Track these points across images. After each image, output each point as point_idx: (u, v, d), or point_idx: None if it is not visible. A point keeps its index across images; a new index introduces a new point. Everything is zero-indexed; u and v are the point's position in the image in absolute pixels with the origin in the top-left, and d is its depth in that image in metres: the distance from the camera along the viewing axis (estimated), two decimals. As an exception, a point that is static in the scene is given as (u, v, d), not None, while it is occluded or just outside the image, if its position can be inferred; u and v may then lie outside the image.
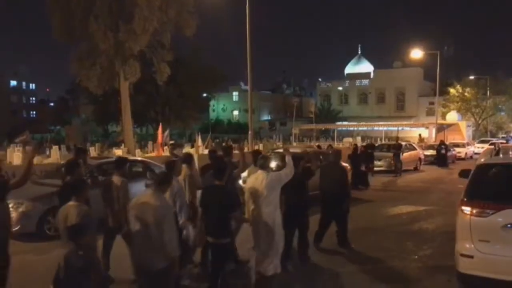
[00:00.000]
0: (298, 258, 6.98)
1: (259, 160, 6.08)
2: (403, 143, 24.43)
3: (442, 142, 27.31)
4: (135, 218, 4.52)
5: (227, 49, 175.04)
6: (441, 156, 25.27)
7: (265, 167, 5.95)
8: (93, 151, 23.88)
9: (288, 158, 6.02)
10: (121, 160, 6.62)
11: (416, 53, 38.68)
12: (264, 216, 5.64)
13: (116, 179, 6.09)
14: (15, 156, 18.14)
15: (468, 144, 35.32)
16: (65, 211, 4.33)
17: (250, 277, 6.04)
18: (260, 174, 5.82)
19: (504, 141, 34.53)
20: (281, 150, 13.60)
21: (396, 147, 21.35)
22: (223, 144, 33.25)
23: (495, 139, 40.91)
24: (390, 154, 20.91)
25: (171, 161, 6.30)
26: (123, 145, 25.89)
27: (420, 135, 48.45)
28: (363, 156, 16.58)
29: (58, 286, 3.71)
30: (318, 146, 21.32)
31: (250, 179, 6.03)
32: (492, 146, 15.40)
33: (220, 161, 6.47)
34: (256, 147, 21.67)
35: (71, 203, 4.37)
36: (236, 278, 5.98)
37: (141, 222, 4.44)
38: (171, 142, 14.22)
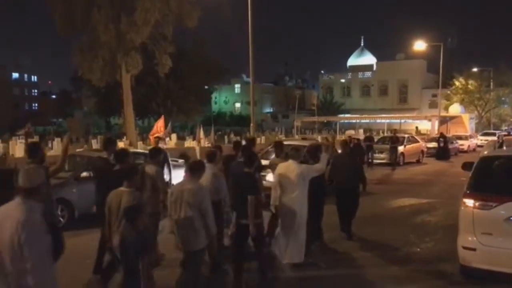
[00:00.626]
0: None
1: (290, 151, 6.56)
2: (406, 136, 24.33)
3: (441, 135, 26.71)
4: (176, 203, 4.91)
5: (229, 41, 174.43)
6: (440, 149, 24.78)
7: (295, 157, 6.37)
8: (95, 144, 23.94)
9: (323, 155, 6.54)
10: (155, 151, 6.92)
11: (419, 45, 38.41)
12: (291, 203, 6.06)
13: (150, 168, 6.30)
14: (17, 148, 18.18)
15: (471, 136, 35.21)
16: (118, 195, 4.59)
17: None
18: (291, 163, 6.23)
19: (506, 133, 34.39)
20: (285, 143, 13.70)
21: (393, 140, 20.85)
22: (234, 136, 33.21)
23: (498, 131, 40.81)
24: (387, 147, 20.82)
25: (212, 151, 6.65)
26: (125, 137, 25.93)
27: (416, 127, 48.33)
28: (357, 149, 15.41)
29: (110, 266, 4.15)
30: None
31: (280, 168, 6.35)
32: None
33: (250, 151, 6.83)
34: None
35: (123, 188, 4.62)
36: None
37: (182, 206, 4.85)
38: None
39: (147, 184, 6.09)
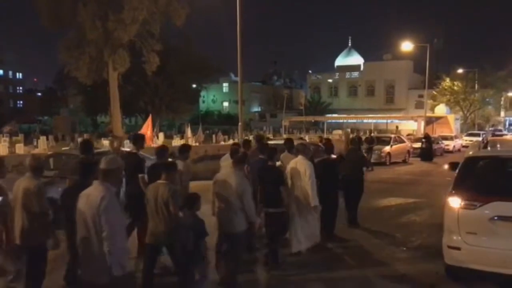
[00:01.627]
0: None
1: (300, 147, 7.28)
2: (392, 136, 24.51)
3: (425, 135, 26.42)
4: (218, 193, 5.46)
5: (218, 40, 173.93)
6: (423, 149, 24.41)
7: (305, 153, 7.01)
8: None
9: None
10: (184, 147, 7.33)
11: (406, 46, 38.74)
12: (302, 194, 6.69)
13: (179, 163, 6.43)
14: (1, 146, 17.93)
15: (456, 137, 35.63)
16: (156, 188, 5.03)
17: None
18: (300, 158, 6.90)
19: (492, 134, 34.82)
20: (271, 142, 13.99)
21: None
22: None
23: (482, 132, 41.41)
24: (380, 146, 20.91)
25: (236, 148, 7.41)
26: (111, 135, 25.73)
27: (397, 126, 48.71)
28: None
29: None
30: (301, 139, 21.16)
31: (292, 163, 6.98)
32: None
33: (271, 147, 7.51)
34: (246, 138, 21.63)
35: (161, 181, 5.03)
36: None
37: (223, 195, 5.39)
38: (111, 135, 14.37)
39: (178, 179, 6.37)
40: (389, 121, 52.81)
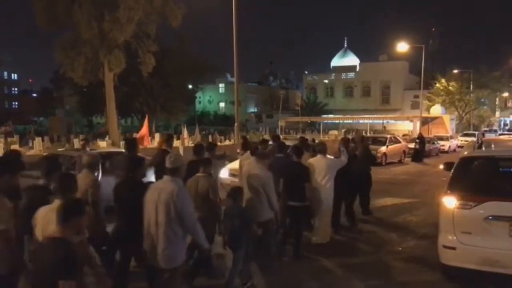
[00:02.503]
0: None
1: (318, 147, 7.84)
2: (388, 136, 24.55)
3: (419, 136, 26.07)
4: (249, 185, 5.93)
5: (214, 40, 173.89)
6: (415, 150, 24.10)
7: (323, 152, 7.56)
8: (77, 143, 23.63)
9: (343, 149, 8.08)
10: (210, 145, 7.87)
11: (402, 47, 38.87)
12: (320, 191, 7.18)
13: None
14: (-3, 147, 17.85)
15: (451, 137, 35.77)
16: (196, 180, 5.56)
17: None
18: (320, 157, 7.46)
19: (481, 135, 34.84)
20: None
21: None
22: (209, 136, 33.08)
23: (477, 132, 41.62)
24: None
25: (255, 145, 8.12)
26: (107, 136, 25.67)
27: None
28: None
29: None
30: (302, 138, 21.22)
31: (311, 161, 7.51)
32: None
33: (304, 143, 8.66)
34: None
35: (199, 174, 5.55)
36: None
37: (253, 187, 5.88)
38: (82, 137, 14.48)
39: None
40: (385, 121, 52.96)
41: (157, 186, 4.35)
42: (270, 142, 9.62)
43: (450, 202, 5.52)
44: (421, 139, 24.79)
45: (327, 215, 7.48)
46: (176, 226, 4.17)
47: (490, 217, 5.22)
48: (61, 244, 2.83)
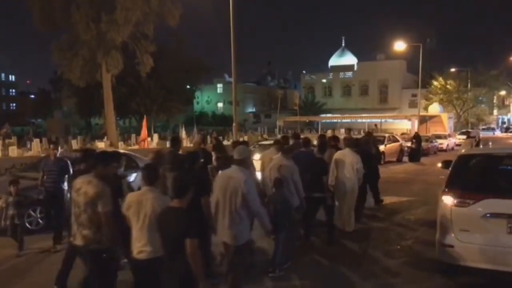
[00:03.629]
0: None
1: (347, 141, 8.64)
2: (386, 135, 24.53)
3: (415, 135, 25.28)
4: (282, 175, 6.41)
5: (211, 40, 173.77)
6: (412, 150, 23.42)
7: (352, 146, 8.36)
8: (75, 144, 23.60)
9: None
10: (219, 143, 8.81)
11: (399, 46, 38.91)
12: (344, 182, 7.92)
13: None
14: (-5, 149, 17.80)
15: (449, 135, 35.80)
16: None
17: None
18: (347, 151, 8.23)
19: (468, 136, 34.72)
20: (265, 142, 14.67)
21: (320, 142, 19.37)
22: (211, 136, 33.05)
23: (472, 130, 41.71)
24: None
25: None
26: (105, 137, 25.65)
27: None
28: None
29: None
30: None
31: (337, 154, 8.23)
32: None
33: (324, 139, 9.02)
34: (241, 139, 21.66)
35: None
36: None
37: (283, 176, 6.39)
38: (52, 141, 14.46)
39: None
40: (383, 120, 52.97)
41: (226, 174, 5.01)
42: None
43: (448, 200, 5.53)
44: (417, 138, 24.24)
45: (352, 205, 8.22)
46: (242, 209, 4.77)
47: (488, 215, 5.23)
48: (183, 212, 3.79)
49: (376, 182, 10.93)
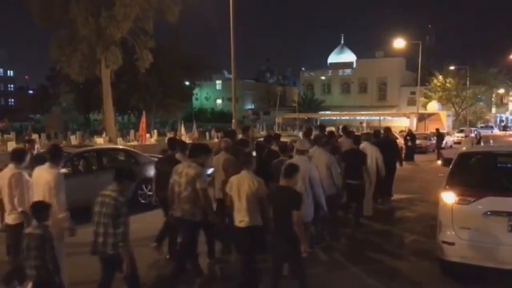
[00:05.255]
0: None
1: (364, 135, 9.94)
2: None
3: (409, 132, 23.75)
4: (316, 166, 6.75)
5: (210, 37, 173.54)
6: (406, 149, 21.05)
7: (370, 139, 9.82)
8: (74, 140, 23.58)
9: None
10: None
11: (399, 43, 38.86)
12: (369, 172, 8.75)
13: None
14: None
15: (448, 133, 35.82)
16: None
17: None
18: (366, 144, 9.38)
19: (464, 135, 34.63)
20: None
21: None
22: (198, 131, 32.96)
23: (473, 128, 41.75)
24: None
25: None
26: (104, 133, 25.61)
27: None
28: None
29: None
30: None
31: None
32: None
33: (357, 135, 10.02)
34: (239, 136, 21.52)
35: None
36: None
37: (319, 167, 6.92)
38: (26, 138, 14.46)
39: None
40: (382, 118, 53.00)
41: (295, 161, 5.95)
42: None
43: (449, 197, 5.53)
44: (411, 136, 22.56)
45: (371, 193, 9.18)
46: (309, 190, 5.98)
47: (488, 213, 5.23)
48: (291, 189, 4.84)
49: (392, 176, 11.35)
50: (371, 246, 7.44)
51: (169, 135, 30.09)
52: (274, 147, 8.03)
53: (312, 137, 9.07)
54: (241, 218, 5.10)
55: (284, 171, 4.95)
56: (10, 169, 5.40)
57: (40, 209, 4.30)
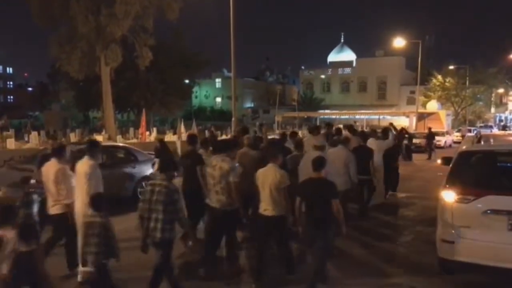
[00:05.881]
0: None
1: (370, 132, 11.86)
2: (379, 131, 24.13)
3: (402, 130, 22.56)
4: (332, 161, 7.01)
5: (211, 35, 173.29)
6: (405, 148, 19.18)
7: (373, 136, 11.06)
8: (73, 137, 23.57)
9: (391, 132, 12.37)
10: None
11: (398, 42, 38.83)
12: (378, 164, 9.77)
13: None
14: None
15: (447, 133, 35.83)
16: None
17: None
18: (372, 140, 10.35)
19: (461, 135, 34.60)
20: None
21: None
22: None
23: (473, 128, 41.77)
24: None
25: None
26: (104, 131, 25.59)
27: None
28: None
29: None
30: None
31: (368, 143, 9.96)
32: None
33: (364, 132, 11.42)
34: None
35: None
36: None
37: (335, 163, 7.27)
38: (51, 134, 14.53)
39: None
40: (381, 117, 52.96)
41: (331, 151, 7.66)
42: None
43: (449, 196, 5.53)
44: (407, 135, 21.02)
45: (381, 183, 10.22)
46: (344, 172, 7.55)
47: (488, 211, 5.24)
48: (326, 180, 5.37)
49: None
50: (369, 245, 7.45)
51: (169, 133, 30.12)
52: (288, 144, 8.61)
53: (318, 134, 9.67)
54: (265, 207, 5.60)
55: (313, 164, 5.37)
56: (53, 164, 5.88)
57: (99, 200, 4.80)
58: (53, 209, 5.87)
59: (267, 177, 5.57)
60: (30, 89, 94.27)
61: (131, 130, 28.66)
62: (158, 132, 29.78)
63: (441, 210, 5.70)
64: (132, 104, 40.57)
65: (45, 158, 6.68)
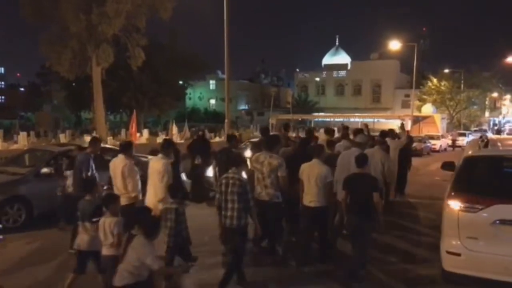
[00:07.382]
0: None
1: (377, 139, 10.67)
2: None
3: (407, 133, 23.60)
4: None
5: (205, 36, 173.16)
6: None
7: (390, 136, 10.63)
8: (63, 138, 23.09)
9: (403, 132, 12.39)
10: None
11: (393, 45, 38.71)
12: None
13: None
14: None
15: (442, 136, 35.71)
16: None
17: None
18: (388, 139, 10.05)
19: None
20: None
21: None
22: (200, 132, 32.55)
23: (468, 132, 41.70)
24: None
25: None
26: (94, 132, 25.13)
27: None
28: None
29: None
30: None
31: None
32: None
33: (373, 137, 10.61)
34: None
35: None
36: None
37: (372, 162, 7.24)
38: (94, 136, 14.17)
39: None
40: (375, 120, 52.83)
41: (347, 152, 7.31)
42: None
43: (454, 204, 5.16)
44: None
45: (393, 182, 9.75)
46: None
47: (497, 221, 4.88)
48: (370, 175, 5.84)
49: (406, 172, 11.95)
50: (369, 254, 7.09)
51: (161, 134, 29.67)
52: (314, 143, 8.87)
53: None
54: (311, 199, 6.15)
55: (357, 161, 5.77)
56: (121, 159, 6.43)
57: (176, 189, 5.60)
58: (122, 200, 6.06)
59: (312, 171, 6.12)
60: (22, 89, 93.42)
61: (123, 131, 28.19)
62: (151, 133, 29.34)
63: (446, 219, 5.33)
64: (125, 105, 40.09)
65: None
